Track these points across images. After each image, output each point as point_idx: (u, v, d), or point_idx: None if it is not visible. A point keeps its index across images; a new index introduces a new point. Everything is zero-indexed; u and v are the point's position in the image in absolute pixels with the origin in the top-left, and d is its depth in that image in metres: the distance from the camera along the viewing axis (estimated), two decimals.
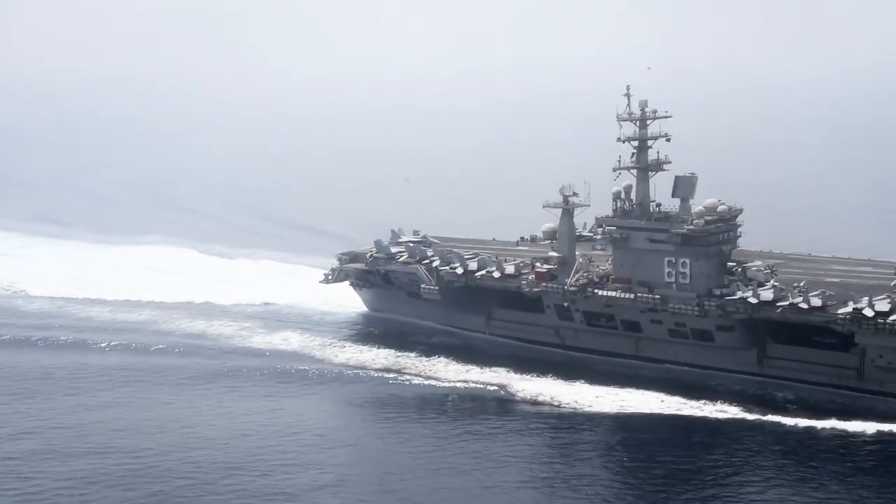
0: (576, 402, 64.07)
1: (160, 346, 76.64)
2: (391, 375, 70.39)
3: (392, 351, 75.50)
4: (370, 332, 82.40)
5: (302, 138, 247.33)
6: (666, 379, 68.33)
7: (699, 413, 62.36)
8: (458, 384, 68.10)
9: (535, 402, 64.89)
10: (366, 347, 76.71)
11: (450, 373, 70.14)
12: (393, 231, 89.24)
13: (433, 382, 68.74)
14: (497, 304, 79.57)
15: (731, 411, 62.11)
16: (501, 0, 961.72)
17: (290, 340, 78.01)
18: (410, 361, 73.21)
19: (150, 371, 70.98)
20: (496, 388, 67.41)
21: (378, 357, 74.15)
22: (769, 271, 70.91)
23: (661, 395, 64.76)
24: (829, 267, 74.80)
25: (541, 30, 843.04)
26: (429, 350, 75.66)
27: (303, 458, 56.06)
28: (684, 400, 63.83)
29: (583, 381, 67.52)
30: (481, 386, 67.71)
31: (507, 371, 69.99)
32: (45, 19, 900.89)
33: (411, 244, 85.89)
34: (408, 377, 69.99)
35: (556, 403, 64.09)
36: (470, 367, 70.88)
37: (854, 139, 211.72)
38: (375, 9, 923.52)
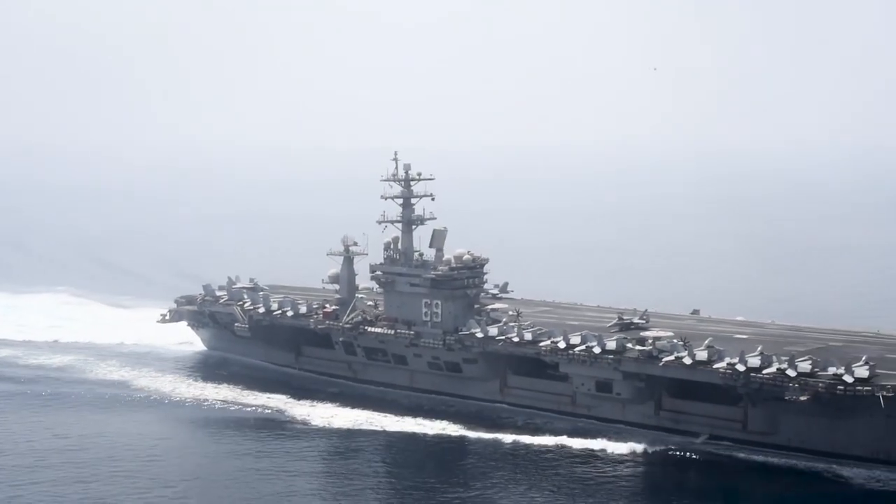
0: (329, 421, 74.61)
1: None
2: (192, 402, 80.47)
3: (202, 383, 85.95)
4: (192, 367, 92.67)
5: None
6: (426, 407, 78.25)
7: (444, 433, 72.58)
8: (233, 408, 78.61)
9: (304, 423, 75.04)
10: (178, 379, 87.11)
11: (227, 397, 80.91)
12: (229, 278, 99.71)
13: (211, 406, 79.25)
14: (305, 342, 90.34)
15: (471, 432, 71.99)
16: None
17: (117, 373, 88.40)
18: (215, 391, 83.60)
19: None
20: (271, 411, 77.82)
21: (183, 387, 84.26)
22: (514, 313, 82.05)
23: (418, 420, 75.08)
24: (572, 311, 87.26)
25: None
26: (231, 380, 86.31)
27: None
28: (431, 422, 74.07)
29: (352, 407, 78.08)
30: (252, 409, 78.23)
31: (287, 398, 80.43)
32: None
33: (242, 289, 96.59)
34: (208, 403, 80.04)
35: (319, 425, 74.22)
36: (251, 392, 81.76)
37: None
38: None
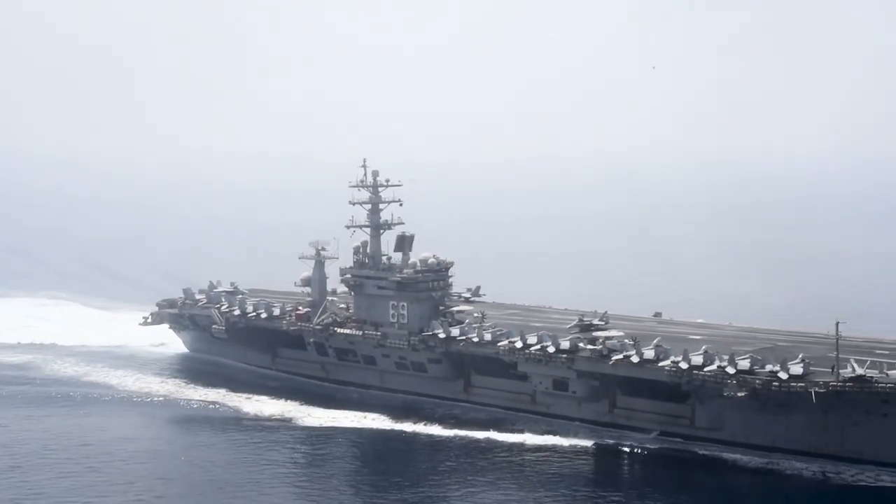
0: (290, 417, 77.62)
1: None
2: (168, 400, 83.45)
3: (177, 381, 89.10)
4: (169, 367, 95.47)
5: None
6: (396, 405, 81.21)
7: (412, 430, 75.17)
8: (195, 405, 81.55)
9: (274, 420, 77.86)
10: (159, 379, 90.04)
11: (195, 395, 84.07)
12: (210, 282, 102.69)
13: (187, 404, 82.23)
14: (281, 343, 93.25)
15: (437, 430, 74.67)
16: None
17: (97, 373, 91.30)
18: (190, 391, 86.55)
19: None
20: (217, 405, 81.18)
21: (163, 387, 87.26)
22: (479, 315, 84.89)
23: (385, 418, 77.71)
24: (539, 314, 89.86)
25: None
26: (208, 382, 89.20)
27: None
28: (401, 421, 76.71)
29: (322, 406, 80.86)
30: (222, 407, 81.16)
31: (226, 392, 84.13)
32: None
33: (221, 293, 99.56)
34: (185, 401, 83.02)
35: (283, 419, 77.23)
36: (219, 390, 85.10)
37: None
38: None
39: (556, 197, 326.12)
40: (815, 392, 63.06)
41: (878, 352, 70.33)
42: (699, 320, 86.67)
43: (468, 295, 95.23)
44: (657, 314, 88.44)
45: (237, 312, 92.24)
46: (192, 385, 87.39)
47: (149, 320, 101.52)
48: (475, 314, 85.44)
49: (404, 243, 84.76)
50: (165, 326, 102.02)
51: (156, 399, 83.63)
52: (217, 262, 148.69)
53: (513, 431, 73.84)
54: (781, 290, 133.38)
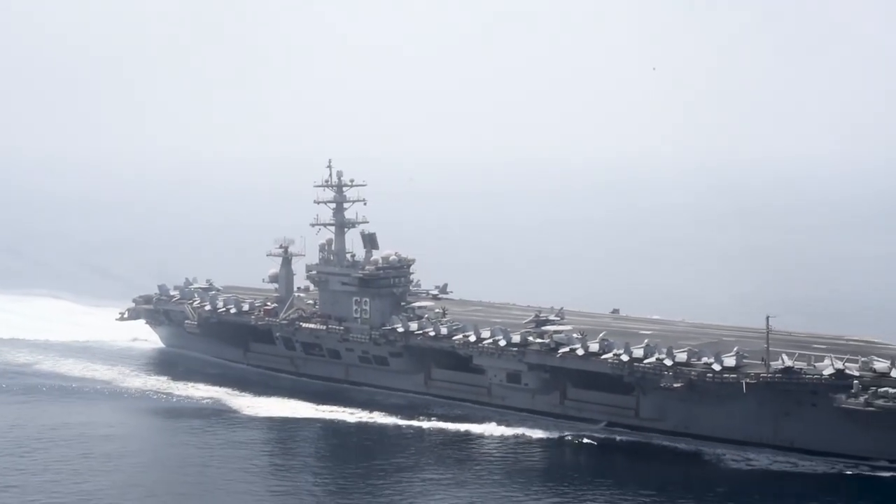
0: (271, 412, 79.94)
1: None
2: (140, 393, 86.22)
3: (153, 376, 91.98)
4: (144, 362, 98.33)
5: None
6: (359, 398, 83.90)
7: (373, 422, 77.78)
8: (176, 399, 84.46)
9: (242, 413, 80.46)
10: (132, 372, 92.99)
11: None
12: (186, 279, 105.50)
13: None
14: (253, 338, 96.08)
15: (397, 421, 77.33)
16: None
17: (74, 367, 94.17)
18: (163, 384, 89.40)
19: None
20: (211, 401, 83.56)
21: (128, 379, 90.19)
22: (440, 311, 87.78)
23: (349, 409, 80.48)
24: (501, 311, 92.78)
25: None
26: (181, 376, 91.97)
27: None
28: (362, 413, 79.23)
29: (290, 398, 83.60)
30: (194, 400, 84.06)
31: (229, 390, 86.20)
32: None
33: (195, 289, 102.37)
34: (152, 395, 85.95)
35: (257, 415, 79.51)
36: (191, 384, 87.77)
37: None
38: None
39: (551, 200, 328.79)
40: (745, 383, 65.87)
41: (815, 346, 73.18)
42: (655, 316, 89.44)
43: (436, 292, 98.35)
44: (615, 311, 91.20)
45: (208, 308, 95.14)
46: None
47: (125, 315, 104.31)
48: (436, 310, 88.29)
49: (368, 241, 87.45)
50: (142, 322, 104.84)
51: (105, 388, 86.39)
52: (206, 261, 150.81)
53: (469, 422, 76.49)
54: (771, 291, 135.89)
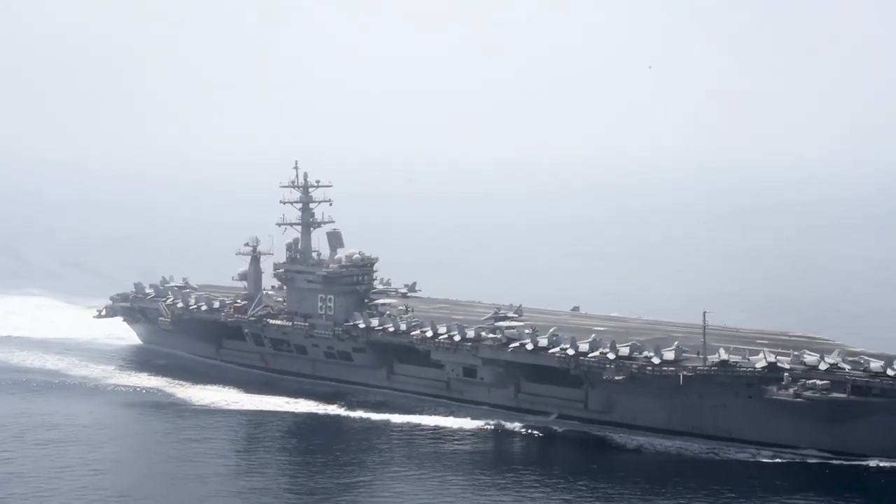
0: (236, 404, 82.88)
1: None
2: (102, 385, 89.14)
3: (126, 371, 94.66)
4: (120, 358, 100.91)
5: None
6: (325, 393, 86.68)
7: (337, 415, 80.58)
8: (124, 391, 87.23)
9: (210, 406, 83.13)
10: (103, 367, 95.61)
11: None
12: (163, 277, 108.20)
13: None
14: (225, 335, 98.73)
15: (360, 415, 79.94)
16: None
17: (50, 362, 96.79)
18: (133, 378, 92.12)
19: None
20: (157, 392, 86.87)
21: (107, 373, 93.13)
22: (404, 308, 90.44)
23: (313, 403, 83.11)
24: (466, 308, 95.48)
25: None
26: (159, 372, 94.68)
27: None
28: (328, 407, 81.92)
29: (256, 392, 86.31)
30: (145, 392, 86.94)
31: (175, 381, 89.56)
32: None
33: (170, 287, 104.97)
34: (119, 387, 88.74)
35: (225, 408, 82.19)
36: (143, 375, 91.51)
37: None
38: None
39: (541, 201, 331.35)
40: (683, 375, 68.48)
41: (758, 341, 75.78)
42: (613, 314, 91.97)
43: (405, 290, 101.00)
44: (575, 308, 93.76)
45: (181, 305, 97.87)
46: (134, 373, 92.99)
47: (102, 313, 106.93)
48: (399, 307, 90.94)
49: (333, 240, 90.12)
50: (120, 319, 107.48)
51: (90, 385, 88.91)
52: (191, 260, 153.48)
53: (428, 415, 79.30)
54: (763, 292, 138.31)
